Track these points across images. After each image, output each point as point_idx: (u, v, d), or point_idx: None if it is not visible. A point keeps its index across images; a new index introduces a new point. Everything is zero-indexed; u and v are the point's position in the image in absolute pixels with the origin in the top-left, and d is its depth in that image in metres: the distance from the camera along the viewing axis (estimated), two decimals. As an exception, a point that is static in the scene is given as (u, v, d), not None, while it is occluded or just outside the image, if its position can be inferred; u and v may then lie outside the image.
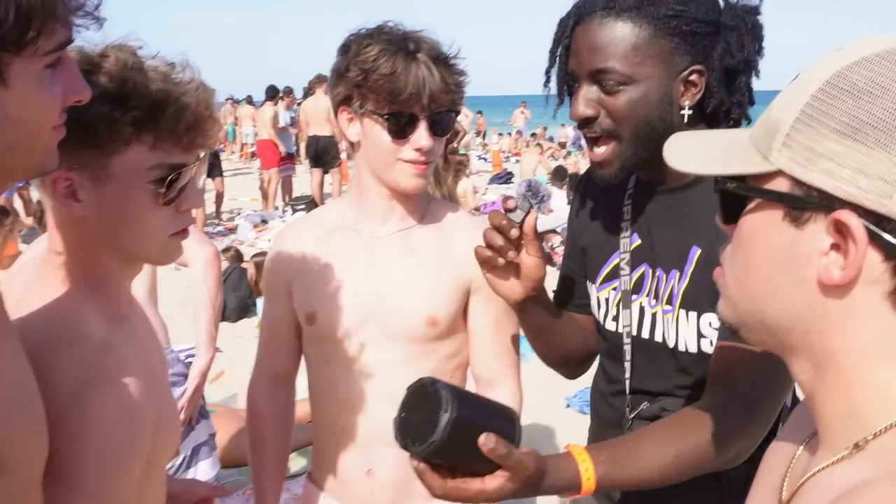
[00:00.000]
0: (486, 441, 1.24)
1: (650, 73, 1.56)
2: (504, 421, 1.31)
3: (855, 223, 0.79)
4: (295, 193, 13.84)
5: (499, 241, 1.58)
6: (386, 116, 1.79)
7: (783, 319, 0.88)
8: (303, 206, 12.48)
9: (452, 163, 3.76)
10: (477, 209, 11.79)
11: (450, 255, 1.91)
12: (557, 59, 1.69)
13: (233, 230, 11.78)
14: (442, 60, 1.79)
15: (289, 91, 14.49)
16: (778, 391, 1.52)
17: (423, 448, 1.22)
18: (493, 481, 1.29)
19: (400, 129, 1.80)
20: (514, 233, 1.57)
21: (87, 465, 1.20)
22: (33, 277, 1.38)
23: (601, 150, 1.63)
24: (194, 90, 1.32)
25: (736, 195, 0.92)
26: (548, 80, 1.73)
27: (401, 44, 1.76)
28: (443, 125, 1.83)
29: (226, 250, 8.58)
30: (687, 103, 1.59)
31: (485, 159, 22.12)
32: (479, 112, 29.24)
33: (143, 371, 1.33)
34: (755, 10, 1.62)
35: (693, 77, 1.58)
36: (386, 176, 1.87)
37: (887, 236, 0.78)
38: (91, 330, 1.29)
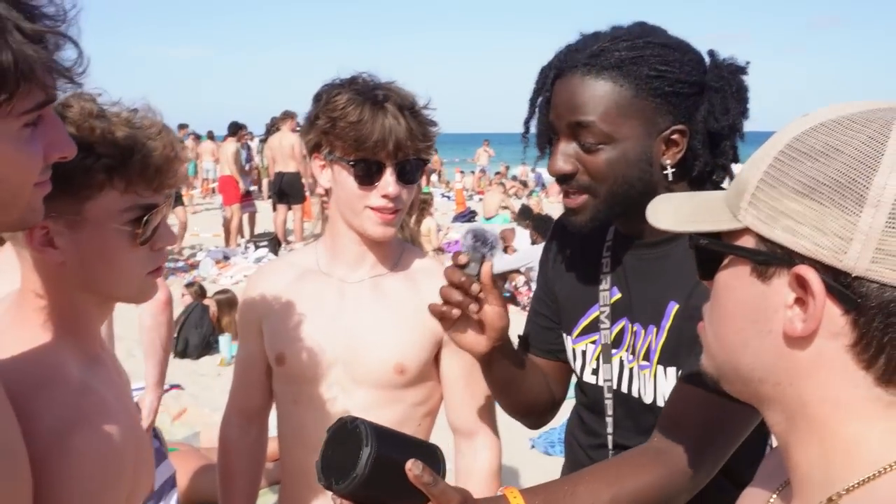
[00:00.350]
0: (413, 467, 1.23)
1: (630, 133, 1.55)
2: (429, 456, 1.31)
3: (812, 277, 0.83)
4: (257, 230, 13.79)
5: (457, 296, 1.56)
6: (352, 163, 1.82)
7: (755, 370, 0.92)
8: (265, 243, 12.42)
9: (416, 203, 3.80)
10: (440, 249, 11.83)
11: (421, 305, 1.89)
12: (537, 110, 1.68)
13: (195, 266, 11.67)
14: (410, 110, 1.82)
15: (241, 127, 14.50)
16: (729, 436, 1.51)
17: (346, 484, 1.22)
18: None
19: (366, 175, 1.82)
20: (476, 288, 1.55)
21: None
22: (7, 320, 1.38)
23: (576, 201, 1.62)
24: (158, 133, 1.36)
25: (711, 252, 0.97)
26: (527, 130, 1.72)
27: (369, 93, 1.80)
28: (411, 173, 1.86)
29: (189, 285, 8.51)
30: (668, 162, 1.57)
31: (448, 197, 22.20)
32: (434, 150, 29.23)
33: (121, 411, 1.34)
34: (741, 71, 1.61)
35: (675, 136, 1.57)
36: (354, 222, 1.90)
37: (844, 290, 0.83)
38: (69, 371, 1.31)
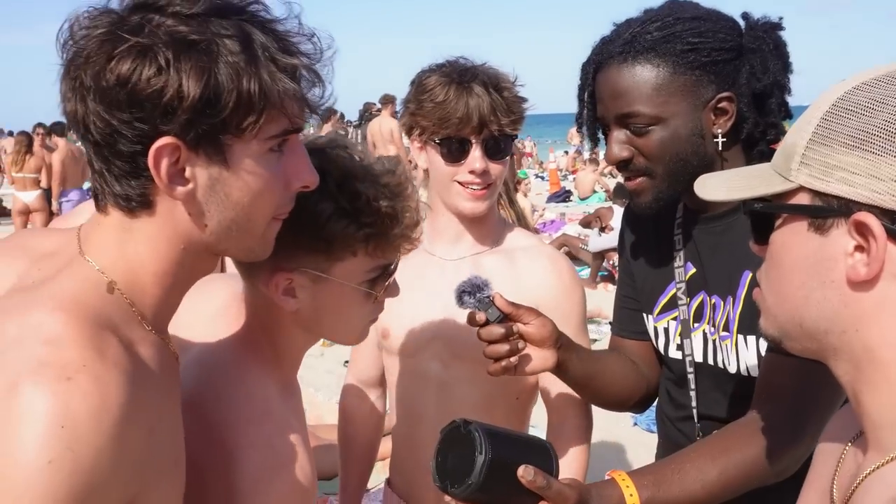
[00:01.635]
0: (525, 473, 1.27)
1: (676, 110, 1.57)
2: (541, 455, 1.33)
3: (873, 222, 0.87)
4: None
5: (504, 347, 1.60)
6: (438, 141, 1.88)
7: (820, 321, 0.95)
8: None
9: (520, 183, 3.89)
10: (535, 230, 11.79)
11: (518, 282, 1.94)
12: (585, 105, 1.72)
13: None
14: (495, 87, 1.85)
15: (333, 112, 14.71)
16: (825, 402, 1.51)
17: (462, 490, 1.25)
18: None
19: (453, 152, 1.88)
20: (515, 327, 1.61)
21: None
22: (223, 339, 1.41)
23: (635, 182, 1.66)
24: (412, 198, 1.37)
25: (764, 216, 1.01)
26: (580, 126, 1.77)
27: (457, 75, 1.85)
28: (498, 148, 1.90)
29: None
30: (720, 131, 1.59)
31: (542, 178, 22.09)
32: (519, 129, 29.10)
33: (307, 442, 1.36)
34: (777, 27, 1.62)
35: (723, 104, 1.58)
36: (447, 199, 1.96)
37: None
38: (274, 406, 1.33)
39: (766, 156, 1.63)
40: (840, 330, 0.94)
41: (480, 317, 1.60)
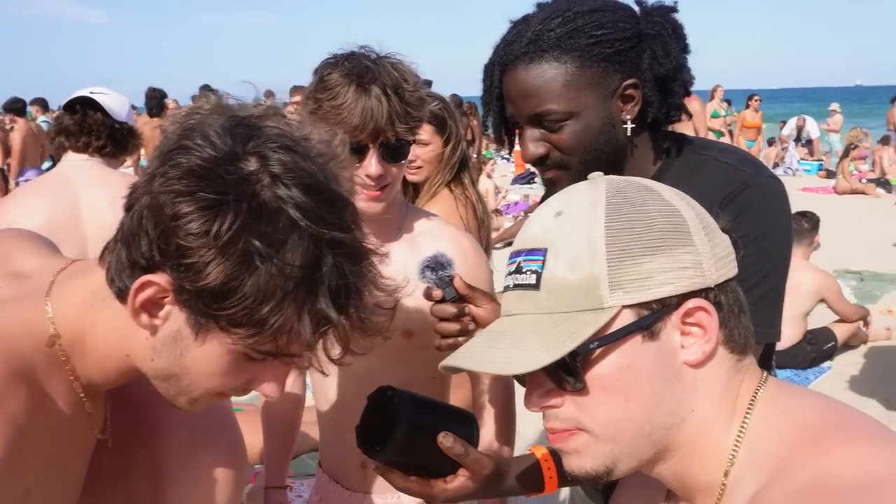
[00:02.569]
0: (444, 440, 1.33)
1: (587, 103, 1.59)
2: (462, 424, 1.39)
3: (704, 303, 0.98)
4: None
5: (455, 326, 1.62)
6: None
7: (668, 419, 1.00)
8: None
9: (485, 164, 3.90)
10: (498, 211, 11.84)
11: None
12: (492, 108, 1.73)
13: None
14: (395, 89, 1.84)
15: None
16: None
17: (382, 453, 1.32)
18: (455, 480, 1.38)
19: (350, 155, 1.84)
20: (468, 309, 1.62)
21: None
22: None
23: (552, 173, 1.67)
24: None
25: (578, 359, 0.99)
26: (486, 128, 1.79)
27: (357, 75, 1.82)
28: (396, 152, 1.90)
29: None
30: (628, 117, 1.61)
31: (507, 159, 22.11)
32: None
33: (233, 416, 1.36)
34: (672, 10, 1.65)
35: (629, 91, 1.61)
36: None
37: (715, 301, 1.00)
38: None
39: (671, 137, 1.70)
40: (680, 419, 1.00)
41: (437, 293, 1.64)
